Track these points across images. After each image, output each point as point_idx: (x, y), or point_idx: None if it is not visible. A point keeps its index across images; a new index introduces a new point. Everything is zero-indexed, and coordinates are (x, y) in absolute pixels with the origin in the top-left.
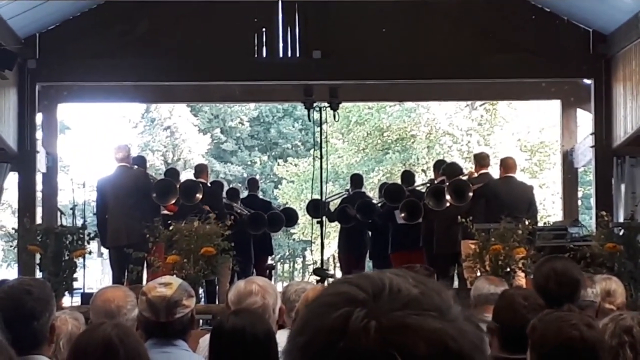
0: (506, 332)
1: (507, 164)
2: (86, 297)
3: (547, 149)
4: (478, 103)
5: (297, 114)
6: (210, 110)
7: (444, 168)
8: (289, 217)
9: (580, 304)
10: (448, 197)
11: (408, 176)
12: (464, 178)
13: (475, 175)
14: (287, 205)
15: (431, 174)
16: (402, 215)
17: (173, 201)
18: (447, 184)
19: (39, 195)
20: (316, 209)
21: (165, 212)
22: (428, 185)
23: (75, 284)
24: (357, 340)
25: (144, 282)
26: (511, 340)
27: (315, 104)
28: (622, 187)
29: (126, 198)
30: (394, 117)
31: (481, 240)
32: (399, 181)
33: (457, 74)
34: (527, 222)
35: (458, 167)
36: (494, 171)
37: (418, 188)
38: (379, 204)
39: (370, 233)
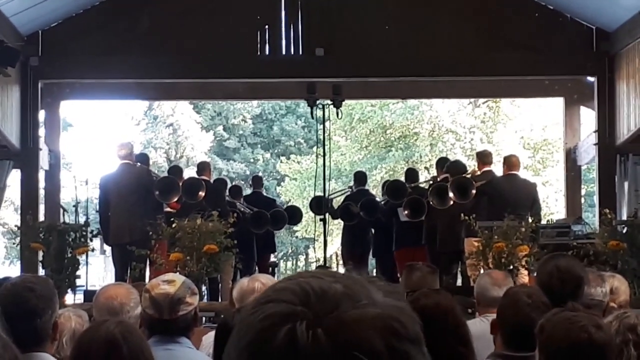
0: (510, 330)
1: (510, 162)
2: (89, 295)
3: (550, 147)
4: (481, 100)
5: (300, 112)
6: (212, 107)
7: (448, 166)
8: (293, 215)
9: (588, 302)
10: (451, 194)
11: (412, 174)
12: (467, 176)
13: (478, 173)
14: (290, 203)
15: (434, 172)
16: (406, 212)
17: (175, 199)
18: (451, 181)
19: (41, 192)
20: (319, 205)
21: (168, 209)
22: (431, 182)
23: (78, 282)
24: (312, 352)
25: (147, 279)
26: (515, 338)
27: (318, 102)
28: (626, 184)
29: (129, 195)
30: (396, 114)
31: (484, 238)
32: (402, 178)
33: (460, 71)
34: (530, 220)
35: (462, 165)
36: (497, 169)
37: (421, 185)
38: (382, 202)
39: (373, 230)
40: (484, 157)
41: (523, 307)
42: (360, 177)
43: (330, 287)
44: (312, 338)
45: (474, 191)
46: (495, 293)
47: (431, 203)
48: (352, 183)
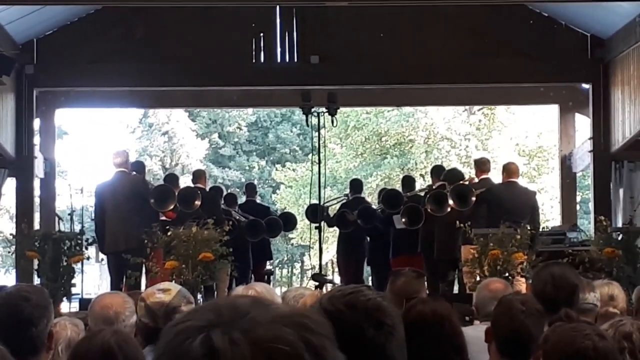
0: (504, 338)
1: (509, 169)
2: (84, 303)
3: (546, 154)
4: (476, 108)
5: (295, 119)
6: (208, 115)
7: (445, 174)
8: (287, 222)
9: (583, 307)
10: (451, 202)
11: (409, 181)
12: (465, 183)
13: (476, 180)
14: (285, 210)
15: (429, 179)
16: (403, 220)
17: (171, 207)
18: (450, 189)
19: (36, 200)
20: (314, 213)
21: (164, 218)
22: (427, 190)
23: (73, 290)
24: (231, 354)
25: (143, 288)
26: (509, 346)
27: (313, 109)
28: (621, 191)
29: (124, 203)
30: (392, 121)
31: (480, 245)
32: (399, 186)
33: (455, 78)
34: (527, 227)
35: (459, 172)
36: (494, 176)
37: (417, 193)
38: (379, 210)
39: (368, 238)
40: (481, 165)
41: (517, 314)
42: (356, 185)
43: (239, 301)
44: (229, 341)
45: (474, 198)
46: (491, 307)
47: (428, 210)
48: (347, 190)
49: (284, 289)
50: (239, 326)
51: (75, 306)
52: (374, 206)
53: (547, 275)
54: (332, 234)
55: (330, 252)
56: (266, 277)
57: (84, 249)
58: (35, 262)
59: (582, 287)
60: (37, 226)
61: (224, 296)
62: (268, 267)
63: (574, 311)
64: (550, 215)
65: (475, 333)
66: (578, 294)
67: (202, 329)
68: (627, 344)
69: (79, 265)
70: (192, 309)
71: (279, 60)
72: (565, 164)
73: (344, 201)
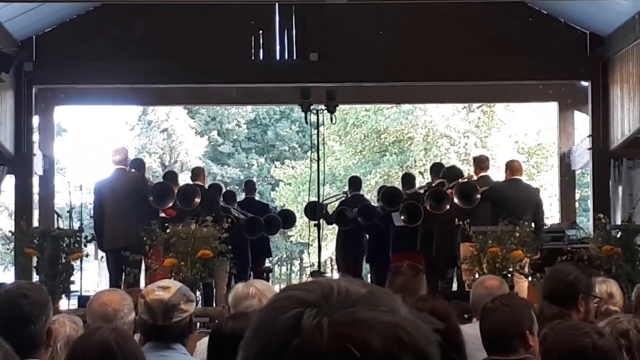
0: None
1: (512, 167)
2: (83, 300)
3: (545, 151)
4: (475, 105)
5: (295, 116)
6: (207, 112)
7: (444, 171)
8: (286, 219)
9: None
10: (456, 200)
11: (408, 179)
12: (471, 181)
13: (475, 178)
14: (284, 208)
15: (428, 176)
16: (403, 217)
17: (170, 204)
18: (455, 186)
19: (35, 198)
20: (314, 211)
21: (163, 215)
22: (426, 188)
23: (72, 287)
24: (310, 337)
25: (142, 285)
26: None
27: (312, 107)
28: (620, 189)
29: (124, 201)
30: (391, 119)
31: (479, 242)
32: (398, 183)
33: (454, 76)
34: (526, 224)
35: (458, 170)
36: (493, 174)
37: (417, 191)
38: (379, 207)
39: (367, 236)
40: (481, 162)
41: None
42: (355, 182)
43: (354, 289)
44: (316, 325)
45: (478, 196)
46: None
47: (428, 208)
48: (346, 188)
49: (283, 286)
50: (335, 314)
51: (74, 303)
52: (374, 204)
53: (554, 272)
54: (331, 232)
55: (330, 249)
56: (265, 274)
57: (82, 246)
58: (34, 259)
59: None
60: (36, 223)
61: (335, 279)
62: (267, 264)
63: (581, 309)
64: (549, 213)
65: (473, 331)
66: (591, 287)
67: (302, 303)
68: (624, 342)
69: (78, 262)
70: (313, 280)
71: (278, 57)
72: (564, 161)
73: (343, 199)
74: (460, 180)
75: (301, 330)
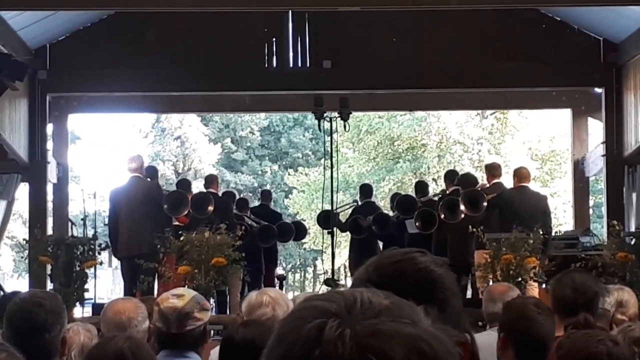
0: (522, 342)
1: (520, 174)
2: (97, 308)
3: (558, 158)
4: (488, 112)
5: (308, 123)
6: (220, 119)
7: (459, 178)
8: (298, 232)
9: (597, 312)
10: (462, 207)
11: (422, 186)
12: (477, 188)
13: (488, 185)
14: (297, 218)
15: (442, 183)
16: (417, 224)
17: (184, 213)
18: (462, 194)
19: (49, 205)
20: (327, 220)
21: (177, 223)
22: (440, 195)
23: (87, 295)
24: (332, 348)
25: (155, 293)
26: (527, 350)
27: (325, 114)
28: (634, 196)
29: (138, 208)
30: (404, 126)
31: (492, 250)
32: (411, 191)
33: (467, 83)
34: (539, 232)
35: (473, 177)
36: (506, 180)
37: (431, 199)
38: (394, 216)
39: (381, 244)
40: (493, 170)
41: (534, 317)
42: (366, 190)
43: (377, 300)
44: (338, 336)
45: (485, 204)
46: (494, 309)
47: (442, 217)
48: (357, 196)
49: (297, 294)
50: (357, 327)
51: (88, 311)
52: (388, 212)
53: (568, 280)
54: (344, 239)
55: (343, 256)
56: (279, 282)
57: (96, 254)
58: (49, 267)
59: (603, 295)
60: (50, 231)
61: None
62: (281, 271)
63: (592, 317)
64: (563, 220)
65: (485, 340)
66: (597, 300)
67: (324, 314)
68: (637, 349)
69: (92, 270)
70: (335, 290)
71: (291, 65)
72: (578, 168)
73: (355, 206)
74: (473, 188)
75: (323, 340)
